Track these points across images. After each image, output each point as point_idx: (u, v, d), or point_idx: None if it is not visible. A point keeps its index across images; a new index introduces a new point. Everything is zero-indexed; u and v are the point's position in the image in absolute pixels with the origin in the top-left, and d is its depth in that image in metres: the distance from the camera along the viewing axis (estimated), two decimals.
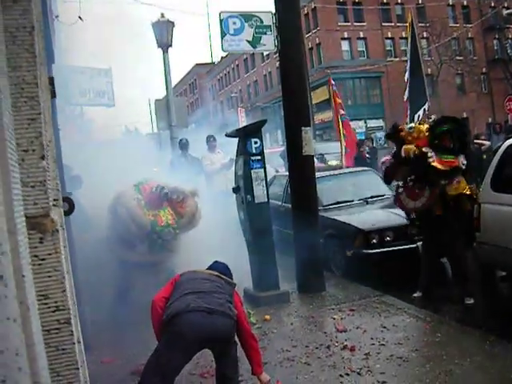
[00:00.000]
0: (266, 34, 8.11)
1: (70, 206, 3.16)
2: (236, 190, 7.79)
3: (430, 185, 6.96)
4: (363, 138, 21.88)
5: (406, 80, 13.90)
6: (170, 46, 14.47)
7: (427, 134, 7.04)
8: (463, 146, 7.06)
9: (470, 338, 5.70)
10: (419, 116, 13.85)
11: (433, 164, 6.85)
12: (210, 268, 4.70)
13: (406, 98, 13.71)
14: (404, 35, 46.10)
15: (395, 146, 7.53)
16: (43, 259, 1.56)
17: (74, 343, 1.63)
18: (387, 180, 8.00)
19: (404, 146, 7.13)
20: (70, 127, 13.84)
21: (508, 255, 6.31)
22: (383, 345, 5.60)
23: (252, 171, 7.46)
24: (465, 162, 7.01)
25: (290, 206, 8.63)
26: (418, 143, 7.02)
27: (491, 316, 6.80)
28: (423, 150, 6.94)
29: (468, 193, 7.02)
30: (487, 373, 4.80)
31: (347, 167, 12.99)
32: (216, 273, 4.53)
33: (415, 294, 7.46)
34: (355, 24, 48.16)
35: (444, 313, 6.78)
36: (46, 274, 1.56)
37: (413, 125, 7.37)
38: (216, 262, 4.82)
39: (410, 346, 5.53)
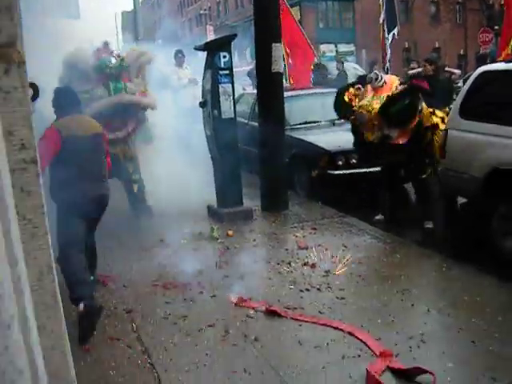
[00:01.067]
0: None
1: (34, 92, 3.05)
2: (203, 104, 7.65)
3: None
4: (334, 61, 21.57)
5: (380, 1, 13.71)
6: None
7: (381, 115, 6.87)
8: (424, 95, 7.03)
9: (429, 260, 5.83)
10: (390, 39, 13.73)
11: (395, 143, 6.91)
12: None
13: (381, 19, 13.55)
14: None
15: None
16: (8, 92, 1.45)
17: (40, 185, 1.56)
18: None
19: (364, 133, 7.09)
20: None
21: (471, 182, 6.37)
22: (343, 263, 5.68)
23: (220, 86, 7.31)
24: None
25: (256, 124, 8.54)
26: (379, 125, 6.94)
27: (450, 241, 6.95)
28: (385, 132, 6.88)
29: (434, 122, 7.08)
30: (443, 293, 4.94)
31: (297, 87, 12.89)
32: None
33: (377, 217, 7.56)
34: None
35: (405, 236, 6.89)
36: (11, 109, 1.46)
37: (364, 114, 6.97)
38: None
39: (370, 265, 5.65)
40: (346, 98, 7.20)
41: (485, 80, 6.75)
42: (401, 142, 6.88)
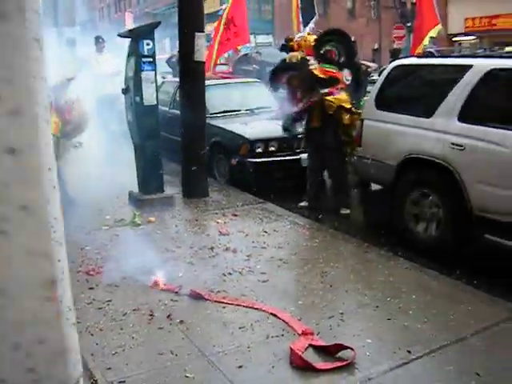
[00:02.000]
0: None
1: None
2: (125, 91, 7.63)
3: (311, 91, 7.32)
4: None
5: None
6: None
7: (313, 43, 7.42)
8: (349, 61, 7.38)
9: (346, 244, 6.11)
10: (310, 28, 13.96)
11: (313, 71, 7.25)
12: None
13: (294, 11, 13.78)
14: None
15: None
16: None
17: None
18: (272, 84, 8.13)
19: (289, 54, 7.45)
20: None
21: (385, 170, 6.68)
22: (264, 248, 5.87)
23: (142, 73, 7.31)
24: (349, 78, 7.38)
25: (177, 112, 8.59)
26: (305, 52, 7.42)
27: (366, 226, 7.28)
28: (306, 57, 7.31)
29: (348, 106, 7.37)
30: (359, 275, 5.19)
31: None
32: None
33: (301, 204, 7.79)
34: None
35: (323, 221, 7.15)
36: None
37: (302, 34, 7.58)
38: None
39: (290, 250, 5.87)
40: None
41: (398, 73, 7.09)
42: (316, 74, 7.32)
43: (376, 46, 45.35)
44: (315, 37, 7.58)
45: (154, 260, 5.44)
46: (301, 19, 14.07)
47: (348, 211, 7.49)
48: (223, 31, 14.69)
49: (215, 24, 15.98)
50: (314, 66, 7.27)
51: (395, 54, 13.21)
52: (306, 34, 7.88)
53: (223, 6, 15.91)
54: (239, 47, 15.98)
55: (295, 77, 7.47)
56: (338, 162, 7.61)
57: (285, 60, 7.60)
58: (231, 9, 14.93)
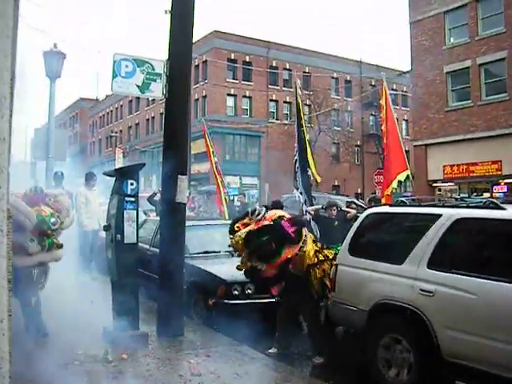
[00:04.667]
0: (155, 81, 8.35)
1: None
2: (107, 228, 7.83)
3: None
4: (236, 193, 22.46)
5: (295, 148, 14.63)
6: (59, 76, 14.38)
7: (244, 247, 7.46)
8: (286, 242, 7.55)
9: None
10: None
11: (263, 275, 7.47)
12: None
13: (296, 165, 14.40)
14: (288, 100, 48.26)
15: None
16: None
17: None
18: None
19: (237, 265, 7.73)
20: None
21: (358, 315, 6.79)
22: None
23: (125, 211, 7.54)
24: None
25: (157, 250, 8.77)
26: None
27: (339, 371, 7.23)
28: (253, 263, 7.42)
29: (314, 261, 7.59)
30: None
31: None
32: None
33: (270, 350, 7.76)
34: (243, 82, 49.62)
35: (296, 365, 7.13)
36: None
37: (233, 242, 7.61)
38: None
39: None
40: (236, 227, 7.67)
41: (371, 221, 7.40)
42: (269, 275, 7.40)
43: (359, 191, 46.61)
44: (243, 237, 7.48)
45: None
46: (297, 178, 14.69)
47: (321, 360, 7.47)
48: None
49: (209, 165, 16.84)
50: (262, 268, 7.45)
51: (374, 201, 13.66)
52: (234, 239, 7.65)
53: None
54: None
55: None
56: (310, 312, 7.72)
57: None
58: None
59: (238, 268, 7.66)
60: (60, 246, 7.41)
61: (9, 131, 1.81)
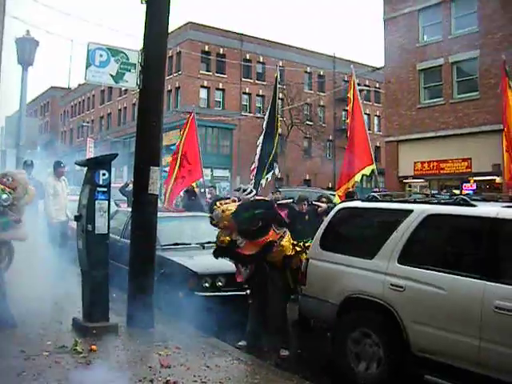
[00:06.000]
0: (129, 71, 8.30)
1: None
2: (78, 218, 7.77)
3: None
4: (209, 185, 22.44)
5: (257, 144, 14.68)
6: (31, 64, 14.19)
7: (233, 219, 7.46)
8: (275, 221, 7.61)
9: (286, 381, 6.11)
10: (267, 179, 14.62)
11: (241, 252, 7.47)
12: None
13: (254, 165, 14.47)
14: (261, 93, 48.28)
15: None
16: None
17: None
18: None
19: (219, 236, 7.75)
20: None
21: (328, 308, 6.84)
22: (205, 382, 5.84)
23: (96, 202, 7.50)
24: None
25: (128, 241, 8.72)
26: (231, 227, 7.56)
27: (308, 364, 7.28)
28: (233, 237, 7.49)
29: (291, 253, 7.65)
30: None
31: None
32: None
33: (240, 343, 7.77)
34: (216, 75, 49.48)
35: (265, 358, 7.15)
36: None
37: (219, 212, 7.57)
38: None
39: None
40: (217, 205, 7.71)
41: (343, 215, 7.44)
42: (246, 253, 7.40)
43: (330, 185, 46.88)
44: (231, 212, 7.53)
45: None
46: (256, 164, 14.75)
47: (287, 352, 7.51)
48: (178, 169, 15.26)
49: (170, 159, 16.66)
50: (242, 244, 7.50)
51: (350, 196, 13.71)
52: (221, 212, 7.63)
53: (176, 142, 16.56)
54: (193, 184, 16.54)
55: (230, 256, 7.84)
56: (277, 304, 7.73)
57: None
58: (185, 145, 15.61)
59: (220, 241, 7.69)
60: (18, 221, 7.37)
61: None
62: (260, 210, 7.42)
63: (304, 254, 7.66)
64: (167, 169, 16.94)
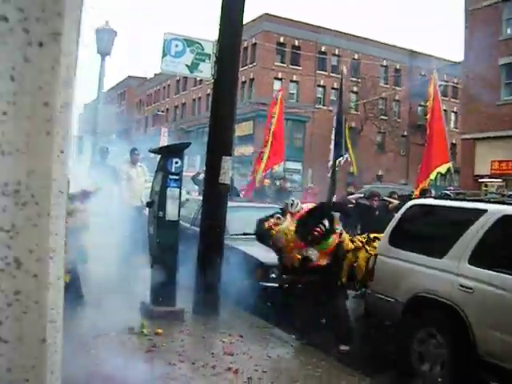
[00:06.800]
0: (204, 61, 8.41)
1: None
2: (150, 204, 7.95)
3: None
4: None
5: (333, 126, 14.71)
6: (109, 54, 14.56)
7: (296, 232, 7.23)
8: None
9: (348, 377, 6.08)
10: (340, 162, 14.64)
11: (317, 264, 7.25)
12: None
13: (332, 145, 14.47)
14: (336, 86, 47.84)
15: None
16: None
17: None
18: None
19: (287, 259, 7.47)
20: None
21: (394, 306, 6.75)
22: (265, 372, 5.88)
23: (168, 189, 7.65)
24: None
25: (197, 229, 8.84)
26: (294, 246, 7.28)
27: (371, 361, 7.21)
28: (304, 254, 7.21)
29: (352, 247, 7.57)
30: None
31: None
32: None
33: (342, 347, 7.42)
34: (291, 67, 49.31)
35: (327, 352, 7.11)
36: None
37: (280, 237, 7.36)
38: None
39: (291, 377, 5.85)
40: (266, 226, 7.55)
41: (414, 212, 7.32)
42: (321, 263, 7.24)
43: (404, 181, 46.08)
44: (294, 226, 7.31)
45: (155, 373, 5.48)
46: (332, 152, 14.74)
47: (347, 348, 7.36)
48: (270, 145, 15.40)
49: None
50: (315, 257, 7.26)
51: (425, 193, 13.49)
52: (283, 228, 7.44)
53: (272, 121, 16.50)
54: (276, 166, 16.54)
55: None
56: (339, 298, 7.64)
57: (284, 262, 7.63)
58: (277, 122, 15.72)
59: (290, 260, 7.39)
60: None
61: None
62: (316, 218, 7.32)
63: (363, 251, 7.58)
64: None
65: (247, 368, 5.94)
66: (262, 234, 7.66)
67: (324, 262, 7.26)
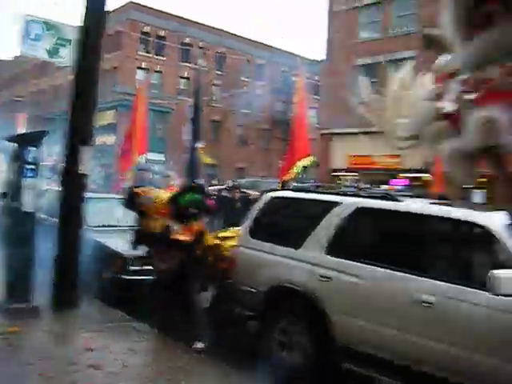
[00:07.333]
0: (65, 46, 8.13)
1: None
2: (4, 195, 7.59)
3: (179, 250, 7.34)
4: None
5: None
6: None
7: (169, 203, 7.28)
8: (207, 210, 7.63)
9: (210, 368, 6.20)
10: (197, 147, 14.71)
11: (177, 238, 7.21)
12: None
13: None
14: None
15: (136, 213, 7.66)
16: None
17: None
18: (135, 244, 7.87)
19: (147, 224, 7.37)
20: None
21: (256, 297, 6.86)
22: (127, 366, 5.80)
23: (24, 179, 7.35)
24: None
25: (56, 220, 8.54)
26: (162, 212, 7.28)
27: (232, 351, 7.29)
28: (167, 224, 7.19)
29: (214, 243, 7.62)
30: None
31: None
32: None
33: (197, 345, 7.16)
34: (155, 57, 48.81)
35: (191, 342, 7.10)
36: None
37: (150, 198, 7.38)
38: None
39: (153, 369, 5.84)
40: (135, 190, 7.56)
41: (273, 204, 7.48)
42: (181, 239, 7.19)
43: (264, 175, 46.92)
44: (169, 196, 7.40)
45: (13, 371, 5.25)
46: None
47: (202, 345, 7.03)
48: (134, 137, 15.25)
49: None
50: (175, 230, 7.24)
51: (285, 185, 13.82)
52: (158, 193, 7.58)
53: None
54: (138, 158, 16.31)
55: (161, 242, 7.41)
56: (192, 296, 7.47)
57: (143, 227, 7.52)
58: (139, 114, 15.63)
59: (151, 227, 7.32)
60: None
61: None
62: (200, 194, 7.38)
63: (225, 244, 7.65)
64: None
65: (108, 362, 5.83)
66: (130, 195, 7.55)
67: (184, 238, 7.25)
